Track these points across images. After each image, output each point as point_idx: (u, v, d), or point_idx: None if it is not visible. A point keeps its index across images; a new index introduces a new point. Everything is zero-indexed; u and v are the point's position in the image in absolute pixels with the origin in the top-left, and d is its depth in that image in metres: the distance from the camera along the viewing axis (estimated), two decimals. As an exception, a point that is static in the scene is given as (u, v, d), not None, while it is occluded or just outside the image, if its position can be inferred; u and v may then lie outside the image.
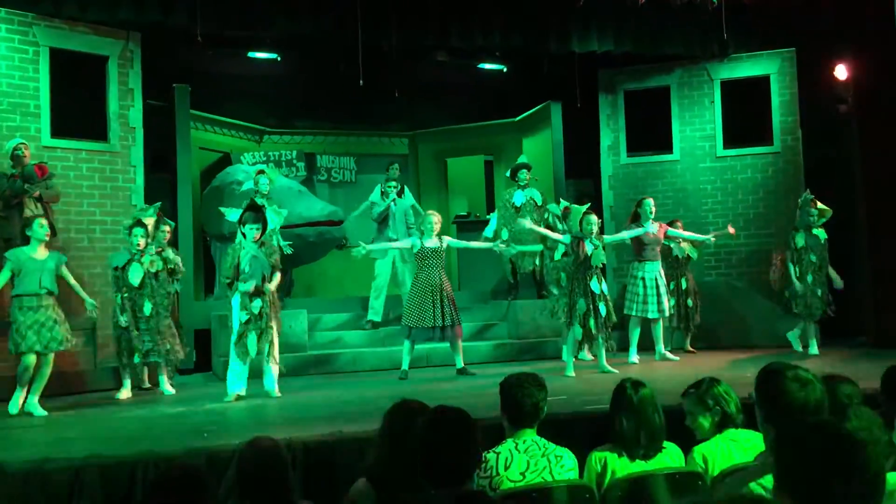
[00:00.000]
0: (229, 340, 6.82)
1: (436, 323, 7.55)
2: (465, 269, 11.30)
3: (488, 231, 9.51)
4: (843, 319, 8.65)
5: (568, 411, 4.96)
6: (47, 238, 6.60)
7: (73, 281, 6.75)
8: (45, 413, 6.24)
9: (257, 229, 6.72)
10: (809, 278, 8.34)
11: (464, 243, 8.47)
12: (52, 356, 6.45)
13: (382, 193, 9.72)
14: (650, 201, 8.43)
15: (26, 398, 6.35)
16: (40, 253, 6.52)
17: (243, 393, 6.70)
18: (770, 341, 8.94)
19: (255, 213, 6.85)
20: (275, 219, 8.11)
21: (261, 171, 8.90)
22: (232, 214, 7.19)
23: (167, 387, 7.36)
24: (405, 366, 7.73)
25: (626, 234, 8.29)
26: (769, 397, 2.48)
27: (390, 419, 2.83)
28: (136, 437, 5.01)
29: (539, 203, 9.36)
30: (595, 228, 7.54)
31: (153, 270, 7.25)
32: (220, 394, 6.78)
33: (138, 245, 7.15)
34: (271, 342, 6.74)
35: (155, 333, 7.21)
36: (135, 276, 7.13)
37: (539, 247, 9.02)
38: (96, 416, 6.25)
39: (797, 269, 8.38)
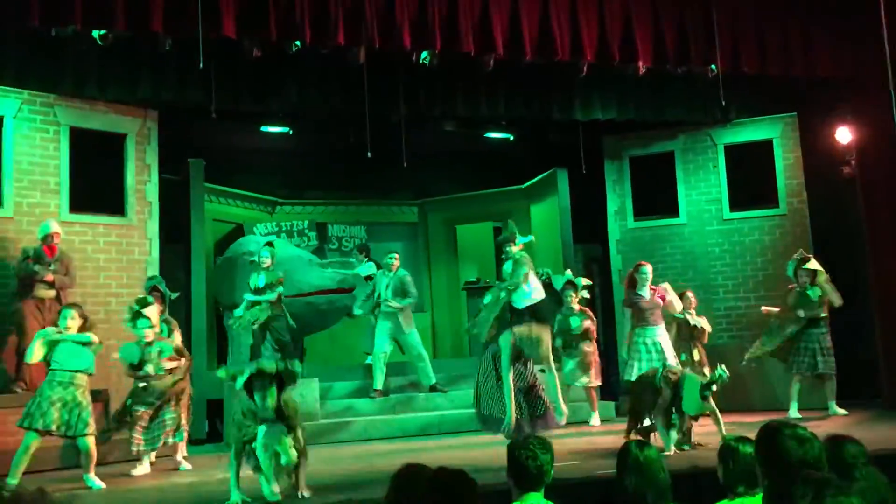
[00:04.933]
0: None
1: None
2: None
3: None
4: (858, 381, 8.59)
5: (578, 476, 4.96)
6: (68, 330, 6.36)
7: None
8: (102, 485, 6.17)
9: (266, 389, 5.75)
10: (802, 334, 8.38)
11: None
12: (90, 439, 6.26)
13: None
14: (647, 268, 8.39)
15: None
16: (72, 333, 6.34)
17: None
18: (782, 404, 8.84)
19: (262, 380, 5.69)
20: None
21: (269, 244, 8.98)
22: (238, 382, 6.32)
23: (181, 459, 7.22)
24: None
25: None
26: (769, 454, 2.51)
27: (396, 483, 2.87)
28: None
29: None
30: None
31: (162, 358, 6.97)
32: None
33: (145, 337, 6.92)
34: None
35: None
36: (148, 368, 6.90)
37: None
38: (111, 487, 6.22)
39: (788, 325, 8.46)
